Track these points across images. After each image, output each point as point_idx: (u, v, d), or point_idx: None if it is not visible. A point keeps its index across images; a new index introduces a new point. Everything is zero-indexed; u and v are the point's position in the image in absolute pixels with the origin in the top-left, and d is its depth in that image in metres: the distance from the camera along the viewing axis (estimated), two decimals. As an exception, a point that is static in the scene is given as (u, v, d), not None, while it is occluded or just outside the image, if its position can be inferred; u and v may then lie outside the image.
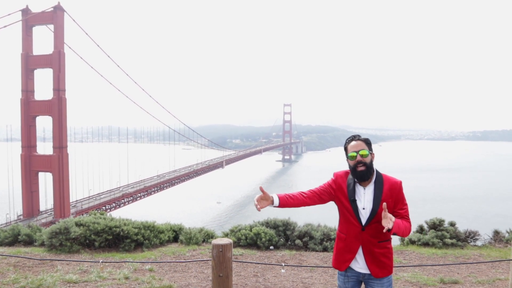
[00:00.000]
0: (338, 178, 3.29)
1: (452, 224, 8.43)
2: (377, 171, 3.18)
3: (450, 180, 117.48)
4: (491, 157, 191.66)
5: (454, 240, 7.97)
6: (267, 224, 8.11)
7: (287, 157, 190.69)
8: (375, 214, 3.06)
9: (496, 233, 8.65)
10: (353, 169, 3.14)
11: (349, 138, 3.29)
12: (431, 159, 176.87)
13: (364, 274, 3.17)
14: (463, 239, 8.20)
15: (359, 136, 3.24)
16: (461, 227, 8.53)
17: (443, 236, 8.01)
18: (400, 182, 3.13)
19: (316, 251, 7.52)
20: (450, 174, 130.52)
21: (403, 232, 3.00)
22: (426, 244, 8.02)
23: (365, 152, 3.11)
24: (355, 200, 3.14)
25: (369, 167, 3.11)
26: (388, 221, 2.86)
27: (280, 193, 3.27)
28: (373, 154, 3.20)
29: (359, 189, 3.16)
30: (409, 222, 3.09)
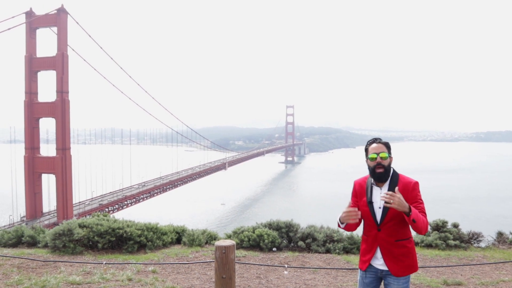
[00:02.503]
0: (357, 186, 3.47)
1: (455, 226, 8.41)
2: (394, 171, 3.34)
3: (453, 181, 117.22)
4: (494, 158, 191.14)
5: (457, 242, 7.95)
6: (270, 225, 8.11)
7: (289, 158, 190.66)
8: (387, 212, 3.18)
9: (500, 234, 8.63)
10: (372, 170, 3.30)
11: (370, 140, 3.45)
12: (434, 161, 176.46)
13: (383, 270, 3.28)
14: (467, 241, 8.18)
15: (380, 139, 3.41)
16: (463, 228, 8.51)
17: (446, 237, 7.99)
18: (415, 182, 3.26)
19: (319, 252, 7.52)
20: (453, 175, 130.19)
21: (422, 223, 3.06)
22: (429, 246, 8.00)
23: (385, 154, 3.28)
24: (372, 202, 3.29)
25: (387, 169, 3.28)
26: (390, 197, 2.98)
27: None
28: (392, 157, 3.35)
29: (376, 190, 3.31)
30: (426, 218, 3.17)
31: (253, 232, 7.78)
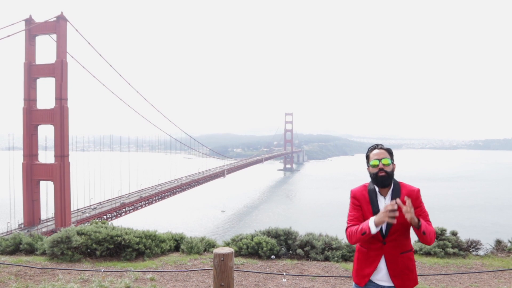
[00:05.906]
0: (358, 194, 3.19)
1: (454, 234, 8.41)
2: (394, 179, 3.16)
3: (451, 189, 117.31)
4: (492, 166, 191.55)
5: (456, 250, 7.95)
6: (268, 233, 8.10)
7: (288, 166, 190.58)
8: (392, 224, 2.97)
9: (498, 242, 8.63)
10: (374, 175, 3.10)
11: (371, 146, 3.26)
12: (432, 168, 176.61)
13: (384, 287, 3.09)
14: (465, 249, 8.18)
15: (381, 145, 3.22)
16: (462, 236, 8.51)
17: (445, 245, 7.99)
18: (418, 190, 3.11)
19: (318, 260, 7.50)
20: (451, 183, 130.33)
21: (430, 235, 2.91)
22: (427, 254, 8.00)
23: (388, 161, 3.09)
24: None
25: (390, 174, 3.08)
26: (409, 210, 2.79)
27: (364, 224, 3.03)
28: (395, 164, 3.16)
29: (381, 200, 3.11)
30: (432, 227, 3.01)
31: (252, 240, 7.76)
